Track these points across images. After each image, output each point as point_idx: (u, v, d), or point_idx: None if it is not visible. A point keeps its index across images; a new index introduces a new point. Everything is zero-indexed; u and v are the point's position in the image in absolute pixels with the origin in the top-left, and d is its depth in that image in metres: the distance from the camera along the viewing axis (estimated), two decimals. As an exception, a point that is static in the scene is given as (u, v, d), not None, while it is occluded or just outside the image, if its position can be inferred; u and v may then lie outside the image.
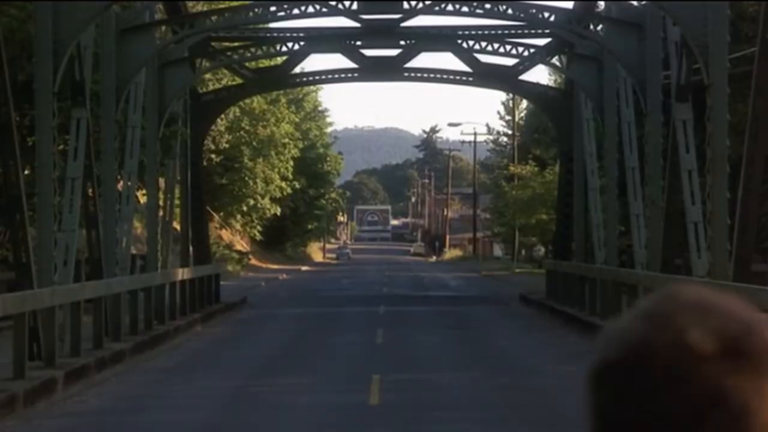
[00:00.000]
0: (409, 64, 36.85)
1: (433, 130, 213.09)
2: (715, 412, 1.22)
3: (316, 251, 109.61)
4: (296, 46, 35.05)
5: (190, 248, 34.80)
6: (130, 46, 25.95)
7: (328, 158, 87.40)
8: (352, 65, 36.82)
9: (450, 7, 27.96)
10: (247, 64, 39.52)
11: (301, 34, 34.91)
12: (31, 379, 16.52)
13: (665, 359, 1.24)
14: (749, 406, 1.23)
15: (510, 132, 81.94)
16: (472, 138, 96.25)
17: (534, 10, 27.99)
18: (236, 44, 35.95)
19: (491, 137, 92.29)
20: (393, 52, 36.20)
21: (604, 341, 1.34)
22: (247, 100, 56.47)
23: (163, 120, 30.47)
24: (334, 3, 28.95)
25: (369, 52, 36.32)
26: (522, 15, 28.48)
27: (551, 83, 57.13)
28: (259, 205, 65.67)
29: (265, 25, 40.48)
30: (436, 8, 28.79)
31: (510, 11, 27.64)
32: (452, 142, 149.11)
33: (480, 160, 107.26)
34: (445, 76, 38.44)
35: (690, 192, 22.30)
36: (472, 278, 61.09)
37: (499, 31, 34.20)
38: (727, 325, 1.25)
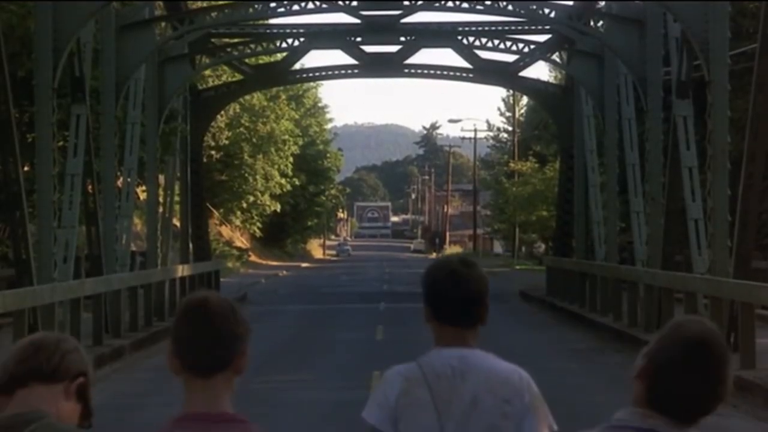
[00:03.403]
0: (409, 61, 36.80)
1: (434, 127, 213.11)
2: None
3: (315, 248, 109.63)
4: (296, 43, 35.01)
5: (190, 245, 34.76)
6: (130, 42, 25.90)
7: (328, 155, 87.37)
8: (352, 61, 36.77)
9: (450, 4, 27.90)
10: (246, 60, 39.49)
11: (301, 31, 34.87)
12: (30, 375, 16.48)
13: (442, 268, 3.78)
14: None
15: (510, 128, 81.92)
16: (472, 134, 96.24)
17: (534, 7, 27.95)
18: (236, 40, 35.92)
19: (491, 134, 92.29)
20: (393, 49, 36.15)
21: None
22: (247, 97, 56.44)
23: (162, 116, 30.44)
24: (334, -1, 28.90)
25: (369, 49, 36.28)
26: (522, 11, 28.44)
27: (552, 80, 57.09)
28: (258, 201, 65.67)
29: (265, 22, 40.48)
30: (437, 4, 28.73)
31: (510, 7, 27.58)
32: (452, 139, 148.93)
33: (480, 157, 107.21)
34: (445, 73, 38.40)
35: (690, 189, 22.27)
36: (472, 275, 60.93)
37: (500, 28, 34.16)
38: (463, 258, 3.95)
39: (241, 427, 3.20)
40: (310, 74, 41.90)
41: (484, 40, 34.26)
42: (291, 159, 68.22)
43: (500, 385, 3.72)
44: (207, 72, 47.04)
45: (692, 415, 2.82)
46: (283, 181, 67.00)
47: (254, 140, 62.98)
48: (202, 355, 3.12)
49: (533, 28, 34.28)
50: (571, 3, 31.56)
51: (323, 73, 39.79)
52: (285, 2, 27.91)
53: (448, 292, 3.74)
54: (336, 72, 38.50)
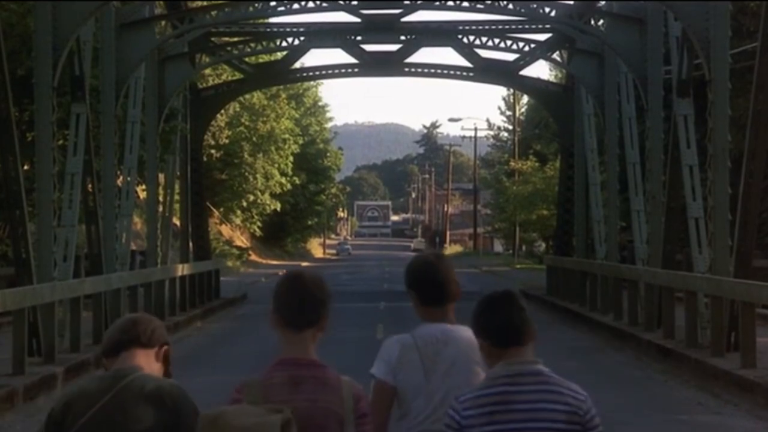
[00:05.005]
0: (409, 60, 36.78)
1: (434, 126, 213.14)
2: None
3: (316, 247, 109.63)
4: (296, 41, 35.00)
5: (190, 244, 34.73)
6: (130, 41, 25.87)
7: (328, 154, 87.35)
8: (353, 60, 36.75)
9: (450, 3, 27.87)
10: (246, 59, 39.48)
11: (301, 29, 34.85)
12: (30, 374, 16.49)
13: (420, 261, 5.33)
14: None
15: (510, 127, 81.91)
16: (472, 133, 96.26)
17: (535, 6, 27.91)
18: (236, 39, 35.89)
19: (492, 132, 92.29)
20: (393, 48, 36.12)
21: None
22: (247, 96, 56.43)
23: (162, 115, 30.41)
24: (334, -2, 28.86)
25: (369, 47, 36.24)
26: (522, 10, 28.39)
27: (552, 78, 57.08)
28: (259, 200, 65.64)
29: (265, 20, 40.45)
30: (437, 3, 28.70)
31: (510, 6, 27.54)
32: (453, 138, 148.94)
33: (480, 156, 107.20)
34: (445, 72, 38.37)
35: (691, 187, 22.23)
36: (472, 274, 61.01)
37: (500, 26, 34.14)
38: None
39: (323, 370, 4.32)
40: (310, 73, 41.87)
41: (484, 39, 34.24)
42: (291, 158, 68.19)
43: (473, 351, 4.78)
44: (207, 71, 47.03)
45: (520, 338, 4.46)
46: (283, 180, 66.97)
47: (254, 139, 62.95)
48: (296, 314, 4.30)
49: (534, 27, 34.25)
50: (571, 2, 31.50)
51: (323, 72, 39.77)
52: (285, 1, 27.87)
53: (427, 277, 5.17)
54: (336, 71, 38.48)
